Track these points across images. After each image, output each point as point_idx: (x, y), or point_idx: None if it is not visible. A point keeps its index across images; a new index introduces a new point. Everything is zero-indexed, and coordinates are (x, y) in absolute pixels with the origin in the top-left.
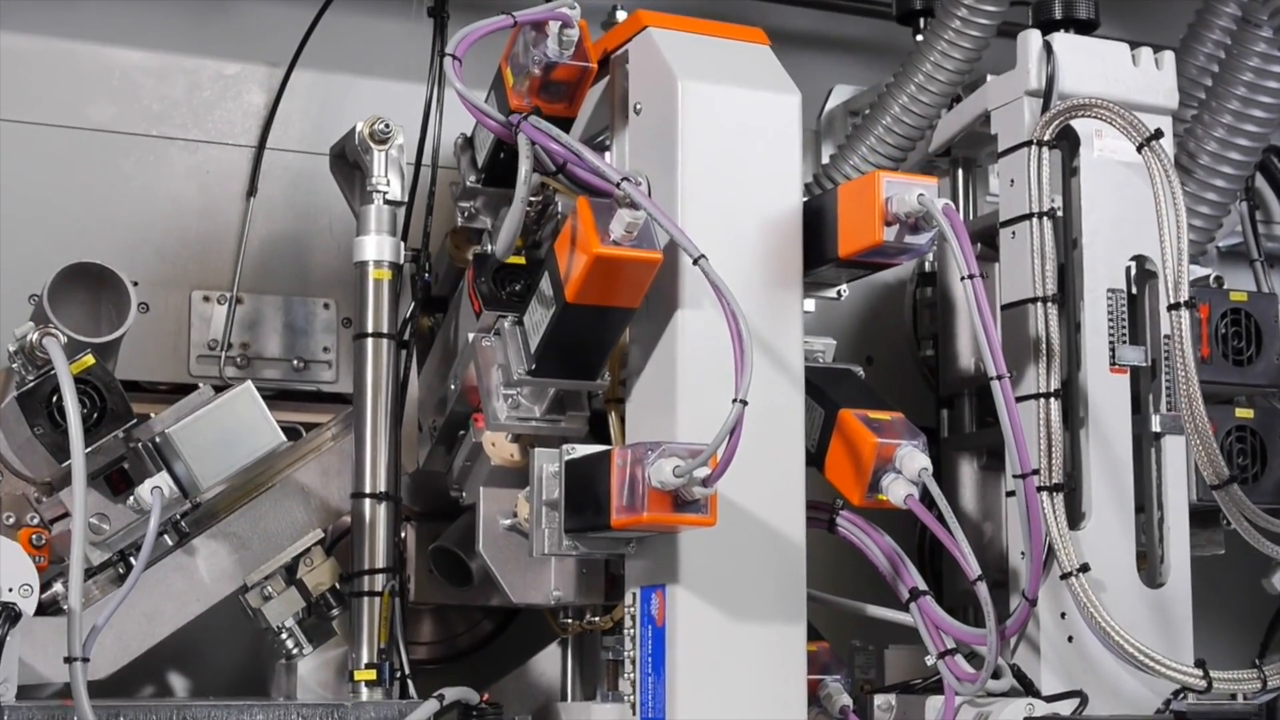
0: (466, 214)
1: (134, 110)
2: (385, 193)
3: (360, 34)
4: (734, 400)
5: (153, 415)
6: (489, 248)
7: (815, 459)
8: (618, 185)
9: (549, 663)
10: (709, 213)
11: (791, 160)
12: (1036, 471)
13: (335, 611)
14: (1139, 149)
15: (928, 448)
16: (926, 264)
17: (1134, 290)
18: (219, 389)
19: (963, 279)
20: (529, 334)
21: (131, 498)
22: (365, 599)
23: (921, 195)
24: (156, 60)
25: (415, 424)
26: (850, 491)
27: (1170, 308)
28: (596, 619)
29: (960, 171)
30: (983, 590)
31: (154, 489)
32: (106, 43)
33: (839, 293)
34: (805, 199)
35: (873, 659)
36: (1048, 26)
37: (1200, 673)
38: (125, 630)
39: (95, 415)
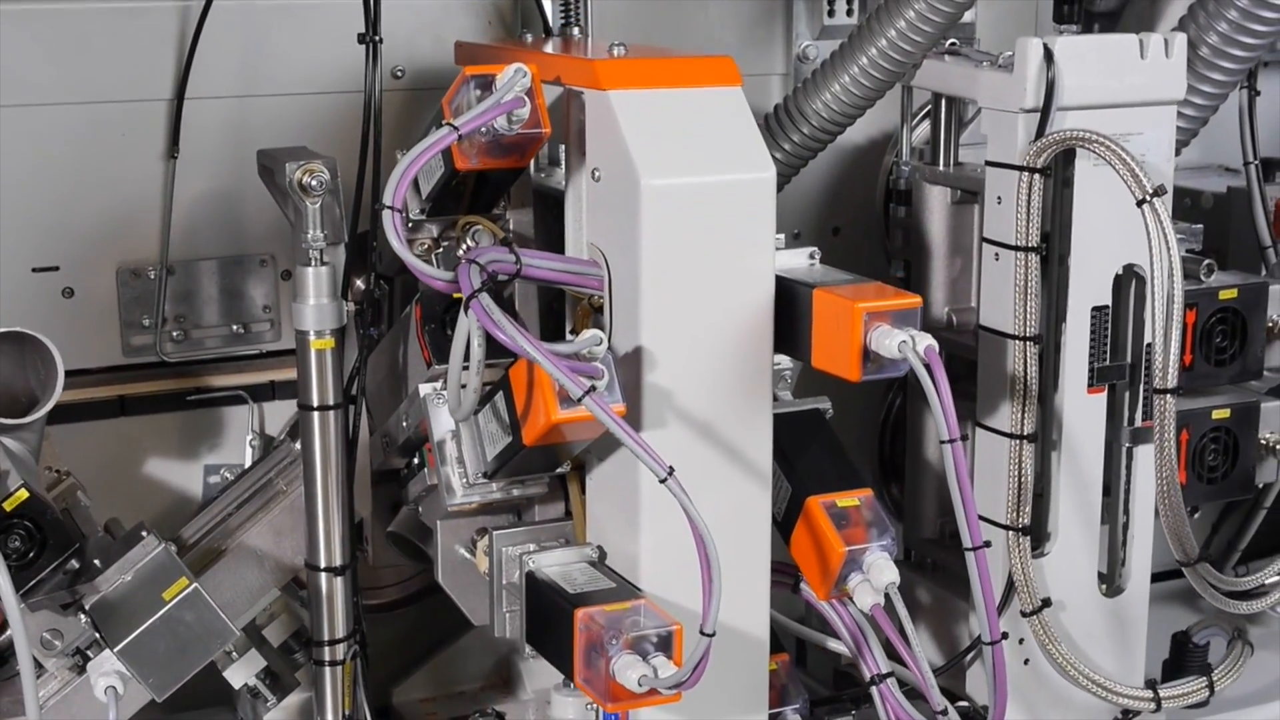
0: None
1: (29, 71)
2: (322, 250)
3: None
4: (701, 632)
5: (96, 564)
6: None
7: (782, 528)
8: (578, 401)
9: None
10: (673, 307)
11: (764, 247)
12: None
13: (299, 656)
14: (1139, 204)
15: (896, 545)
16: (902, 180)
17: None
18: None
19: (942, 443)
20: (484, 440)
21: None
22: (327, 668)
23: (903, 343)
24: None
25: (368, 472)
26: (815, 586)
27: (1156, 392)
28: None
29: (942, 108)
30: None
31: (108, 689)
32: None
33: None
34: (777, 275)
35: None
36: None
37: (1150, 694)
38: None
39: (33, 552)
